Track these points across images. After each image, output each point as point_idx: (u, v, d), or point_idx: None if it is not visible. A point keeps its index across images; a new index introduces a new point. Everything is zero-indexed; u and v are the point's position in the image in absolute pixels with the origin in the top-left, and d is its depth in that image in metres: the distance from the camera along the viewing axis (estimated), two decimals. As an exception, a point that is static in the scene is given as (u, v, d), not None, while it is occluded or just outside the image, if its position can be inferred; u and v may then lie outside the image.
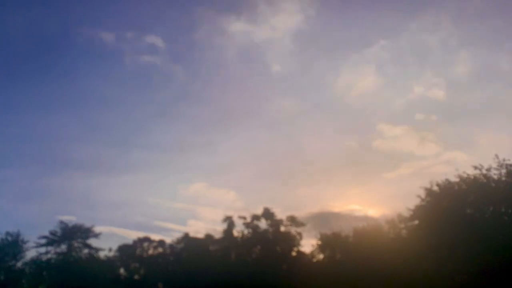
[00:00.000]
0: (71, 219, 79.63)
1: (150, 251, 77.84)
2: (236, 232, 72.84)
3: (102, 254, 76.15)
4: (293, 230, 71.71)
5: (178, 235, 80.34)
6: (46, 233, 73.39)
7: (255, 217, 72.23)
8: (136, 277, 75.97)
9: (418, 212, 48.66)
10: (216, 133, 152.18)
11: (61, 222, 74.67)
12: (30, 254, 73.54)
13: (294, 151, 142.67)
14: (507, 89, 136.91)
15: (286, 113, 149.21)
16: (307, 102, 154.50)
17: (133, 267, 76.73)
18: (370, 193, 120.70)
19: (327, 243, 66.98)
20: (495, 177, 44.35)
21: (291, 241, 71.11)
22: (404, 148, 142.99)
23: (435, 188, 47.27)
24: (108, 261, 76.26)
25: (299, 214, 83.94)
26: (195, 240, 75.74)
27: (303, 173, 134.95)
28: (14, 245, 73.21)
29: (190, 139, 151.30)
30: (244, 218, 72.50)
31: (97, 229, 75.87)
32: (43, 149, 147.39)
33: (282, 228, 71.82)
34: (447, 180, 46.84)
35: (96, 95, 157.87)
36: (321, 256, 68.45)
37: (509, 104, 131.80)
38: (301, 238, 71.28)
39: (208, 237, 75.51)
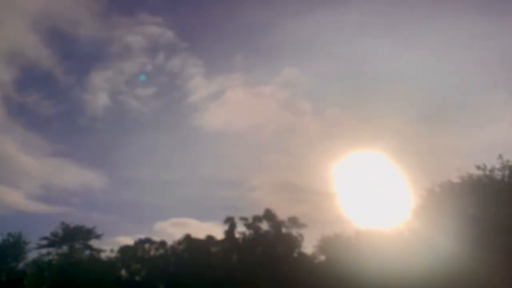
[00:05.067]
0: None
1: (152, 252, 77.67)
2: (237, 234, 72.67)
3: (103, 255, 76.13)
4: (295, 231, 71.46)
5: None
6: (48, 234, 73.46)
7: (257, 219, 71.98)
8: (137, 278, 75.78)
9: (420, 212, 48.28)
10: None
11: (63, 223, 74.64)
12: (32, 255, 73.52)
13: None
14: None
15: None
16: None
17: (134, 268, 76.55)
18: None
19: (329, 244, 66.62)
20: (498, 178, 43.91)
21: (292, 242, 70.75)
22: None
23: (437, 188, 46.90)
24: (110, 262, 76.03)
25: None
26: (196, 241, 75.50)
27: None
28: (15, 246, 73.00)
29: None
30: (246, 219, 72.31)
31: None
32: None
33: (284, 230, 71.53)
34: (449, 181, 46.46)
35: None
36: (322, 258, 68.08)
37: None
38: (302, 239, 71.03)
39: (209, 238, 75.34)
